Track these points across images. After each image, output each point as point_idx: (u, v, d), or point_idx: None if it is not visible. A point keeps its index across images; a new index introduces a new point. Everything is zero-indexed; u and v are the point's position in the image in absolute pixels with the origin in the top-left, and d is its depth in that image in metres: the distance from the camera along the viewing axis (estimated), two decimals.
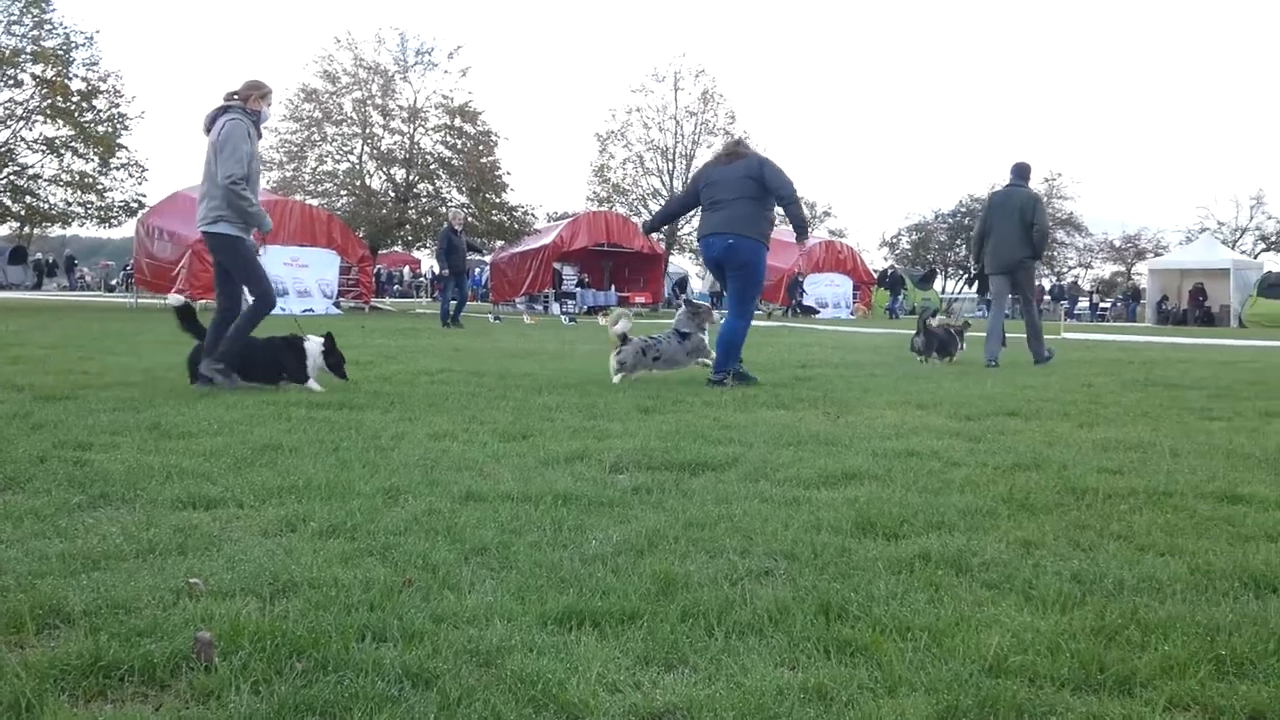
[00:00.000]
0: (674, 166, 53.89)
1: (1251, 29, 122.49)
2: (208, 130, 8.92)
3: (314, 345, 9.30)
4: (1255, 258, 59.74)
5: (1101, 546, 4.11)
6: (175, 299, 9.68)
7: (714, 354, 10.29)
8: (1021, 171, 14.37)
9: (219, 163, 8.67)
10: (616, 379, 10.03)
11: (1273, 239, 70.55)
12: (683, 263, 64.74)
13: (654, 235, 31.49)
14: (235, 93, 8.96)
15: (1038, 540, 4.17)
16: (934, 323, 14.08)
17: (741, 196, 9.91)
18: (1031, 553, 3.99)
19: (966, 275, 65.89)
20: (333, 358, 9.38)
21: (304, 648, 2.84)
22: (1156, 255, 61.36)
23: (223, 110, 8.87)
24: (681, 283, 60.83)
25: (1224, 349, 20.07)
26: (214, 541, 3.94)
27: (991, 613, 3.27)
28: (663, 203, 53.61)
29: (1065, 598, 3.43)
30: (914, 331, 14.35)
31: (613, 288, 43.17)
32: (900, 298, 51.78)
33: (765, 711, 2.54)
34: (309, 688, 2.62)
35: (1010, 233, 13.94)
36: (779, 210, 10.37)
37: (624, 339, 10.25)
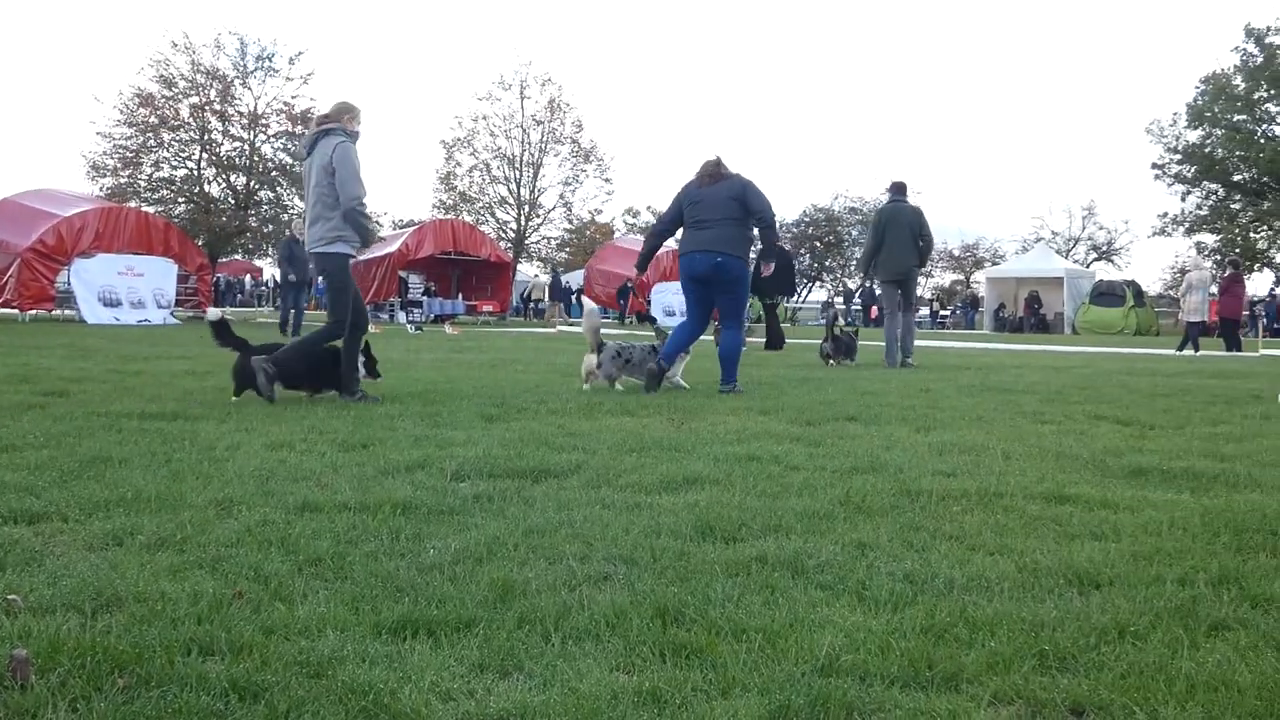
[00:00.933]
0: (521, 175, 53.89)
1: (1084, 43, 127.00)
2: (308, 153, 9.11)
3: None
4: (1087, 266, 61.89)
5: (934, 547, 4.20)
6: (214, 313, 9.61)
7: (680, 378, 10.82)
8: (900, 189, 15.75)
9: (340, 184, 8.81)
10: (586, 386, 10.44)
11: (1103, 248, 73.20)
12: (531, 271, 64.62)
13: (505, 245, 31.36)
14: (328, 115, 9.15)
15: (872, 542, 4.24)
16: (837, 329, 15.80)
17: (726, 217, 10.22)
18: (866, 554, 4.06)
19: (821, 282, 67.01)
20: (366, 359, 9.57)
21: (126, 663, 2.75)
22: (994, 264, 63.25)
23: (324, 133, 9.02)
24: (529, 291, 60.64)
25: (1057, 355, 20.74)
26: (35, 557, 3.80)
27: (825, 613, 3.31)
28: (513, 211, 53.58)
29: (897, 597, 3.49)
30: (822, 338, 15.74)
31: (460, 296, 42.87)
32: (746, 306, 52.35)
33: (599, 716, 2.53)
34: (130, 704, 2.53)
35: (902, 245, 15.27)
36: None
37: (600, 345, 10.44)
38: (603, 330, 10.93)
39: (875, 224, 15.93)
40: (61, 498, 4.70)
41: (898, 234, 15.31)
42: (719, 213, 10.23)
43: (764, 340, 20.60)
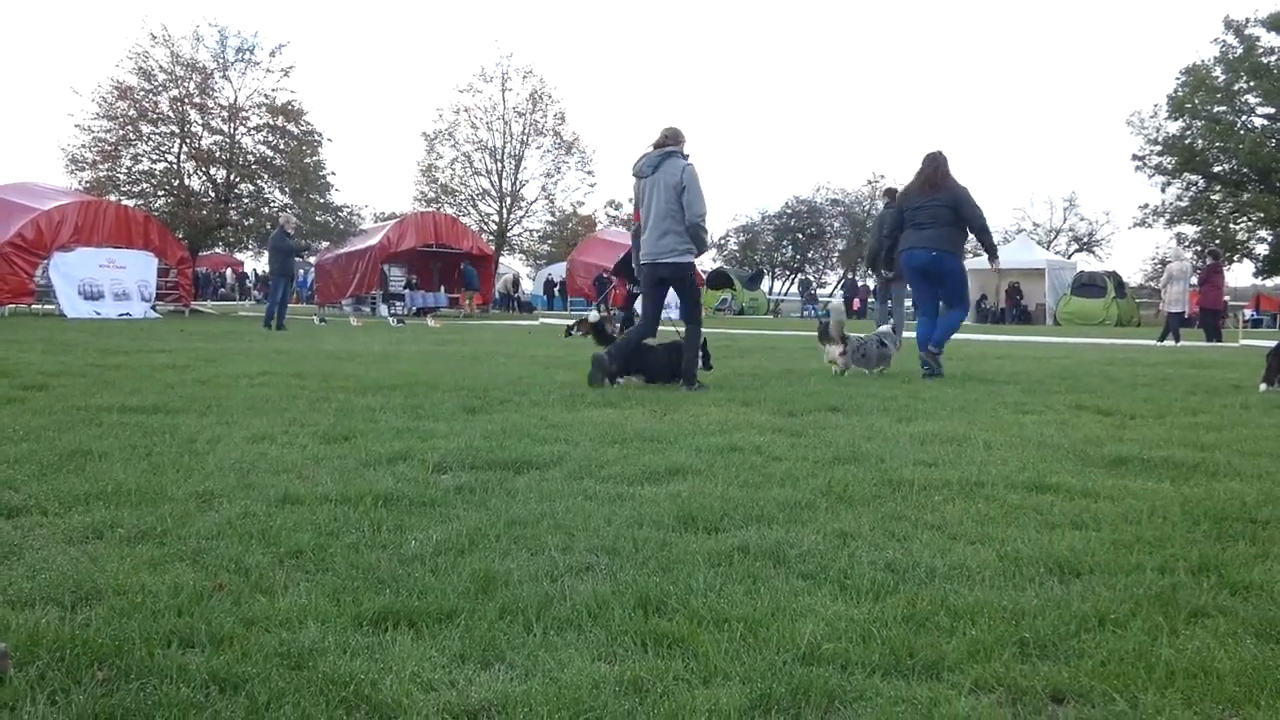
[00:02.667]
0: (503, 166, 53.73)
1: (1065, 35, 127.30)
2: (650, 171, 10.08)
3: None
4: (1069, 258, 62.07)
5: (915, 536, 4.21)
6: (594, 314, 11.49)
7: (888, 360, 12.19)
8: (893, 195, 16.31)
9: (688, 202, 9.84)
10: (836, 370, 11.98)
11: (1085, 240, 73.40)
12: (512, 264, 64.58)
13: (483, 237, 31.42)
14: (665, 139, 10.11)
15: (854, 531, 4.25)
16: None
17: (943, 221, 11.79)
18: (847, 543, 4.06)
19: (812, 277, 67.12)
20: (704, 353, 10.76)
21: (106, 656, 2.74)
22: (976, 255, 63.21)
23: (667, 155, 10.03)
24: (515, 281, 60.74)
25: (1038, 345, 20.80)
26: (14, 550, 3.79)
27: (807, 602, 3.32)
28: (495, 203, 53.53)
29: (878, 586, 3.50)
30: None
31: (442, 289, 42.79)
32: (729, 298, 52.43)
33: (580, 705, 2.54)
34: (109, 697, 2.53)
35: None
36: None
37: (845, 339, 12.01)
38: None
39: (881, 226, 16.37)
40: (41, 491, 4.69)
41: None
42: (937, 216, 11.77)
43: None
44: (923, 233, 11.84)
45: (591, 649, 2.93)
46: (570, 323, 22.85)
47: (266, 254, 27.88)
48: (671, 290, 10.49)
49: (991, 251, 12.60)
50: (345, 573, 3.56)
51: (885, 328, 13.42)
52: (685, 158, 9.99)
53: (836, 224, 72.37)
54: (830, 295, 62.19)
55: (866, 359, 11.93)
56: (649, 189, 10.05)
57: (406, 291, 41.06)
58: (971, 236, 12.31)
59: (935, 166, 11.94)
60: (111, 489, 4.73)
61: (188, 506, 4.48)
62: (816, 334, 15.76)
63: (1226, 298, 35.97)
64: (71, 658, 2.72)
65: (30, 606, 3.14)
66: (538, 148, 54.94)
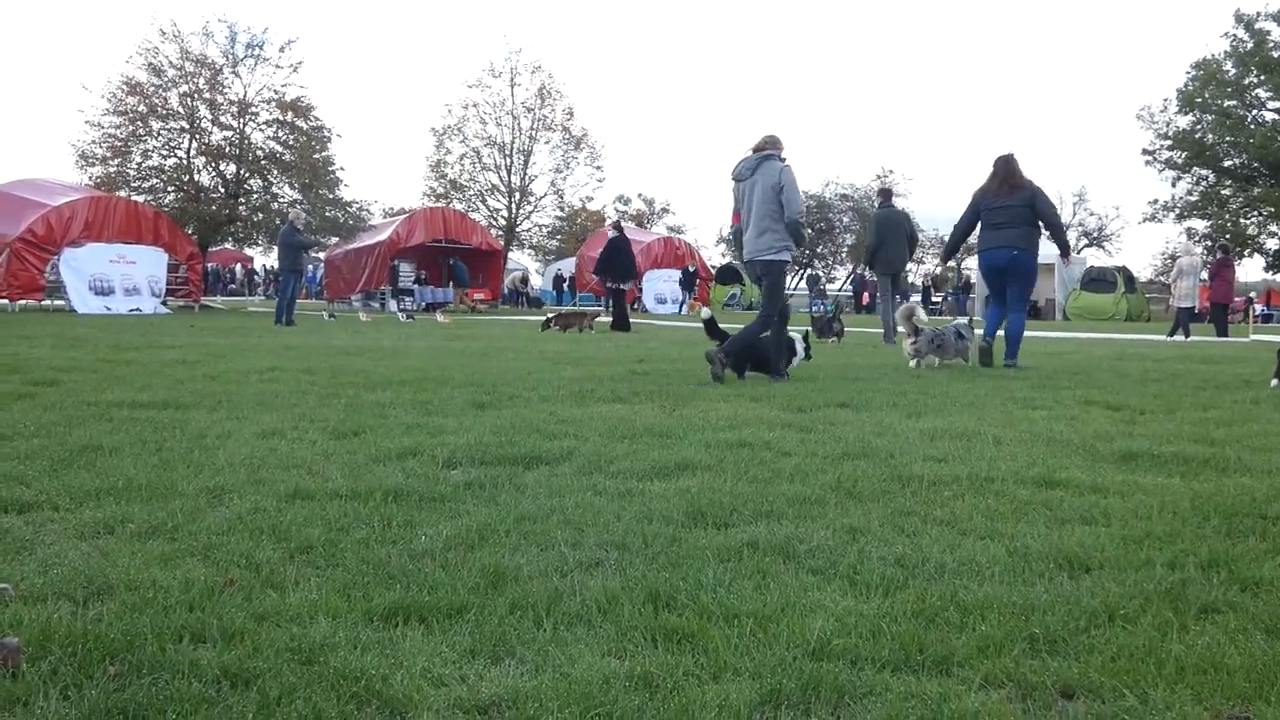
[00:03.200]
0: (512, 162, 53.67)
1: (1074, 30, 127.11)
2: (749, 174, 10.66)
3: (798, 339, 11.18)
4: (1078, 253, 61.87)
5: (924, 532, 4.21)
6: (706, 312, 11.55)
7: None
8: (888, 194, 19.15)
9: (787, 201, 10.42)
10: (912, 364, 12.28)
11: (1094, 235, 73.21)
12: (522, 259, 64.59)
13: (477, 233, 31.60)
14: (764, 144, 10.66)
15: (863, 527, 4.25)
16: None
17: (1021, 220, 12.31)
18: (857, 539, 4.07)
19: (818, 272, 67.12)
20: (805, 345, 11.30)
21: (118, 651, 2.75)
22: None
23: (766, 157, 10.59)
24: (524, 277, 60.72)
25: (1048, 340, 20.74)
26: (26, 545, 3.80)
27: (816, 598, 3.32)
28: (504, 199, 53.56)
29: (888, 582, 3.50)
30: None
31: (451, 284, 42.81)
32: (739, 293, 52.40)
33: (590, 700, 2.54)
34: (121, 691, 2.54)
35: (897, 243, 18.17)
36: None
37: (917, 330, 12.37)
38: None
39: (876, 226, 18.46)
40: (52, 486, 4.70)
41: (894, 233, 18.17)
42: (1013, 215, 12.29)
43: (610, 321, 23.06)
44: (1001, 232, 12.42)
45: (601, 644, 2.94)
46: (548, 315, 23.27)
47: (276, 249, 27.86)
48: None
49: (1065, 248, 13.18)
50: (356, 568, 3.57)
51: (963, 319, 14.05)
52: (782, 160, 10.54)
53: (845, 219, 72.24)
54: (839, 289, 62.13)
55: (943, 349, 12.48)
56: (748, 191, 10.65)
57: (415, 287, 41.08)
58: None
59: (1009, 168, 12.46)
60: (122, 484, 4.74)
61: (198, 502, 4.49)
62: (814, 329, 16.78)
63: (1245, 295, 35.86)
64: (83, 653, 2.73)
65: (42, 601, 3.16)
66: (546, 143, 54.91)
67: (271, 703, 2.50)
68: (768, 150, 10.61)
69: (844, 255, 73.28)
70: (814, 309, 52.67)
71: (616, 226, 26.01)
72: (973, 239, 13.55)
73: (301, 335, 18.74)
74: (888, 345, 16.96)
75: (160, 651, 2.76)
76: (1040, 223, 12.49)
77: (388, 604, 3.18)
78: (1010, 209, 12.29)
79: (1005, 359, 12.41)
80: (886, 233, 18.06)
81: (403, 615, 3.11)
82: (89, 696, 2.51)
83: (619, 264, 23.11)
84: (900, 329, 13.06)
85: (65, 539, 3.91)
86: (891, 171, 72.84)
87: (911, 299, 17.21)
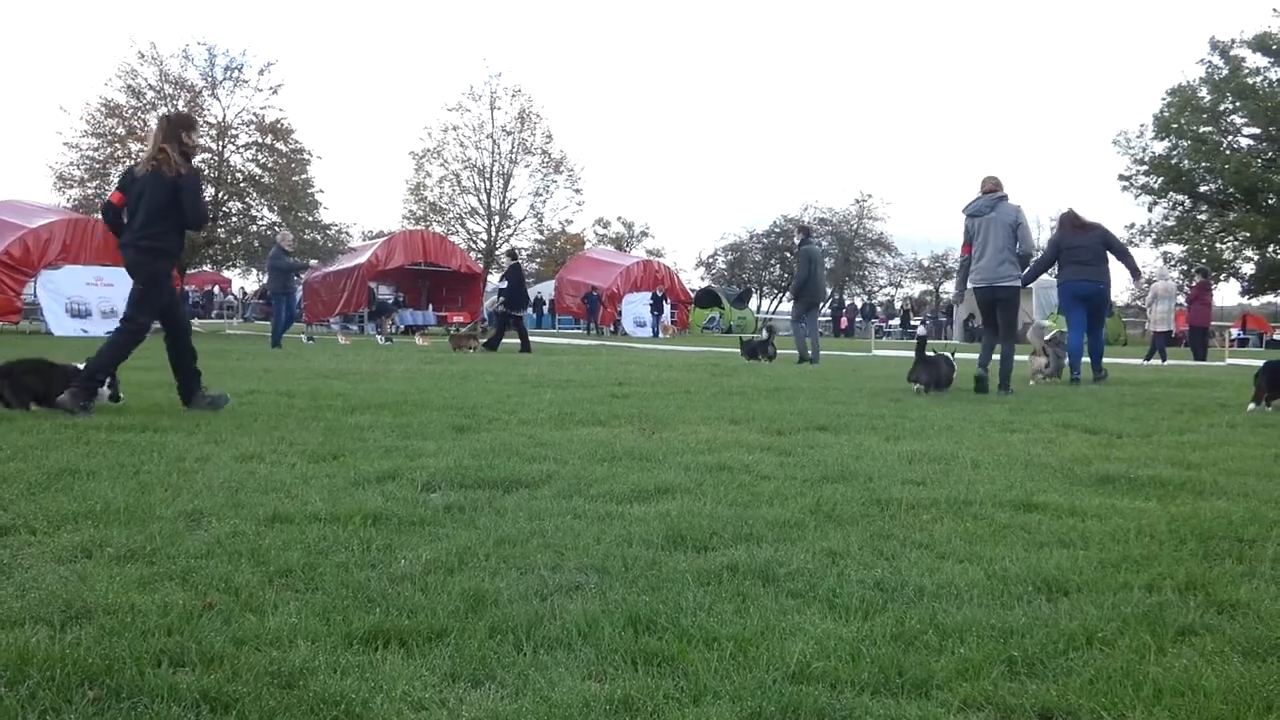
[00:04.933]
0: (491, 185, 53.77)
1: (1051, 56, 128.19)
2: (988, 210, 12.32)
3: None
4: (1053, 277, 62.14)
5: (904, 555, 4.22)
6: (922, 330, 13.18)
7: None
8: (808, 231, 20.97)
9: (1023, 238, 12.22)
10: (1033, 382, 14.46)
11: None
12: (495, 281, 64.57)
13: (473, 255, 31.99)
14: (994, 185, 12.44)
15: (843, 550, 4.26)
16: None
17: (1100, 257, 14.89)
18: (836, 562, 4.07)
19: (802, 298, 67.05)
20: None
21: (96, 675, 2.74)
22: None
23: (1000, 198, 12.38)
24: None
25: (1026, 364, 20.80)
26: (4, 569, 3.78)
27: (796, 621, 3.33)
28: (483, 222, 53.64)
29: (867, 605, 3.51)
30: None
31: (430, 307, 42.77)
32: (718, 316, 52.53)
33: None
34: (100, 716, 2.53)
35: (822, 277, 19.93)
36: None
37: (1046, 350, 14.82)
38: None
39: (805, 260, 19.90)
40: (29, 510, 4.68)
41: (820, 269, 20.23)
42: (1093, 253, 14.71)
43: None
44: (1086, 268, 14.79)
45: (582, 668, 2.93)
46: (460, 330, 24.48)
47: (266, 273, 27.70)
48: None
49: (1136, 272, 16.87)
50: (335, 591, 3.56)
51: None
52: (1007, 199, 12.38)
53: (825, 243, 72.55)
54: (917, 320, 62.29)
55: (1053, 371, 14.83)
56: (985, 226, 12.29)
57: (395, 308, 40.97)
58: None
59: (1074, 216, 15.29)
60: (100, 508, 4.72)
61: (176, 525, 4.47)
62: (741, 352, 19.35)
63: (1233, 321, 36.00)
64: (62, 677, 2.71)
65: (20, 625, 3.14)
66: (526, 166, 55.12)
67: None
68: (999, 192, 12.36)
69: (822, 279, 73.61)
70: (710, 324, 53.12)
71: (512, 255, 26.93)
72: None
73: (280, 358, 18.68)
74: (800, 367, 18.45)
75: (139, 675, 2.75)
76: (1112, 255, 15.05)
77: (367, 627, 3.17)
78: (1090, 247, 14.80)
79: (1094, 375, 14.83)
80: (815, 267, 19.73)
81: (382, 639, 3.10)
82: None
83: (518, 293, 24.84)
84: (1033, 344, 15.32)
85: (43, 562, 3.89)
86: (870, 195, 73.17)
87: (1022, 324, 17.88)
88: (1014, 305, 12.47)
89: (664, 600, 3.50)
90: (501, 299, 24.70)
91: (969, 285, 12.78)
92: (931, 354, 12.32)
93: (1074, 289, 14.97)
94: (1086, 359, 15.23)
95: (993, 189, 12.34)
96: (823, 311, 61.14)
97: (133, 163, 9.98)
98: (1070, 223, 15.14)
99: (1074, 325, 15.06)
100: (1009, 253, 12.07)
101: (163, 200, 8.73)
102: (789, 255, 72.42)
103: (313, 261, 40.68)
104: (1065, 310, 15.56)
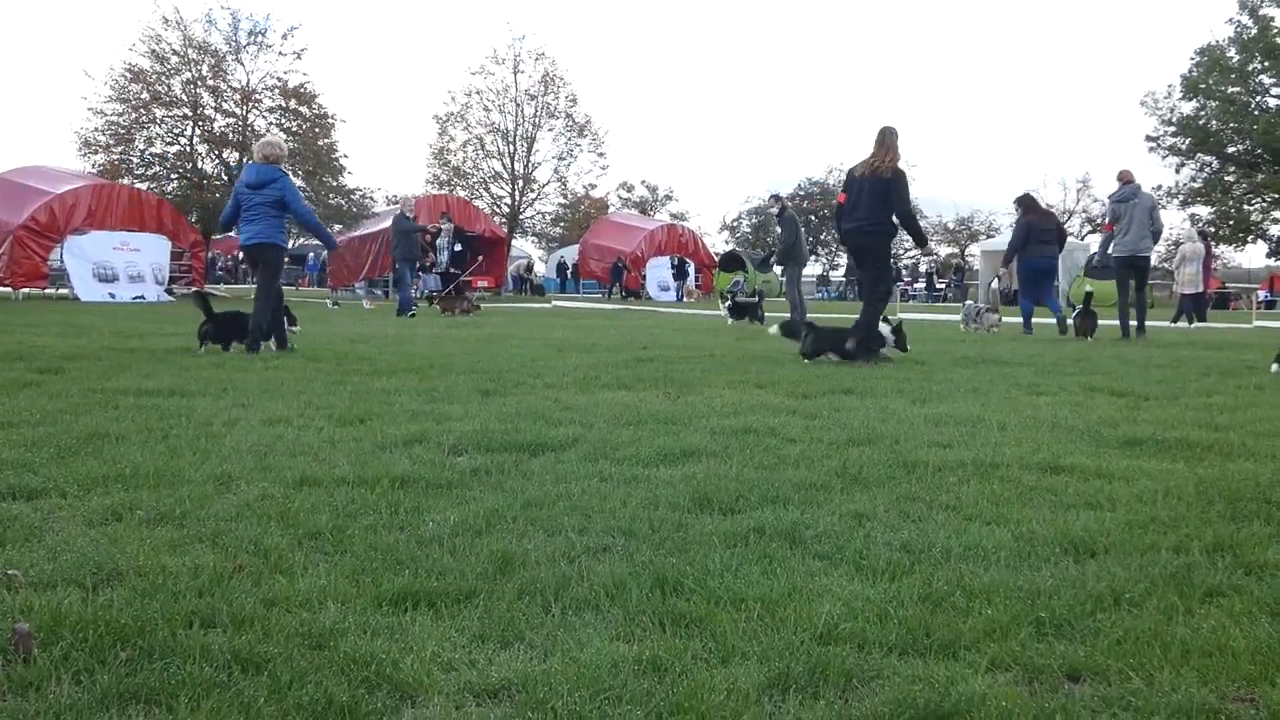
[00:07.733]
0: (515, 149, 53.66)
1: (1079, 15, 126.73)
2: (1131, 196, 15.73)
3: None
4: (1082, 239, 61.73)
5: (930, 517, 4.23)
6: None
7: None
8: (784, 202, 21.46)
9: (1155, 218, 15.90)
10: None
11: (1098, 221, 72.99)
12: (525, 247, 64.56)
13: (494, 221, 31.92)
14: (1131, 177, 15.87)
15: (869, 512, 4.26)
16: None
17: (1055, 239, 18.07)
18: (863, 524, 4.08)
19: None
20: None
21: (128, 636, 2.77)
22: (989, 237, 62.95)
23: (1137, 187, 15.87)
24: (529, 265, 60.81)
25: (1052, 327, 20.73)
26: (35, 532, 3.82)
27: (823, 583, 3.34)
28: (507, 186, 53.59)
29: (894, 566, 3.51)
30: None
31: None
32: (742, 280, 52.42)
33: (599, 684, 2.55)
34: (133, 676, 2.56)
35: (803, 242, 20.46)
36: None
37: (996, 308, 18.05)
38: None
39: (790, 227, 20.48)
40: (59, 474, 4.71)
41: (800, 235, 20.45)
42: (1140, 218, 15.85)
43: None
44: (1047, 247, 17.80)
45: (610, 629, 2.95)
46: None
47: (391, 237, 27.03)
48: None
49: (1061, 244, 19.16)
50: (364, 554, 3.58)
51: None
52: (1141, 188, 16.07)
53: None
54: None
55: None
56: (1129, 209, 15.68)
57: (420, 274, 40.88)
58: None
59: (1040, 205, 18.96)
60: (130, 471, 4.76)
61: (206, 489, 4.51)
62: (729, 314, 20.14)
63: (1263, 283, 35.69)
64: (95, 638, 2.74)
65: (52, 588, 3.17)
66: (550, 130, 54.96)
67: (282, 687, 2.52)
68: (1134, 183, 15.93)
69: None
70: (819, 296, 52.84)
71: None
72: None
73: (306, 323, 18.70)
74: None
75: (171, 637, 2.78)
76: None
77: (396, 589, 3.19)
78: (1051, 230, 18.06)
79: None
80: (797, 234, 20.42)
81: (411, 600, 3.12)
82: (101, 681, 2.53)
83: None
84: (990, 302, 19.35)
85: (73, 526, 3.93)
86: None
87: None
88: (1148, 270, 16.23)
89: (691, 562, 3.51)
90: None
91: (1111, 253, 16.13)
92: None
93: (1039, 263, 18.14)
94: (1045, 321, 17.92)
95: (1130, 180, 15.90)
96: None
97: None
98: (1042, 212, 18.87)
99: (1029, 296, 18.85)
100: (1147, 229, 15.69)
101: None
102: (814, 218, 72.12)
103: (336, 226, 40.79)
104: (1022, 283, 19.08)
